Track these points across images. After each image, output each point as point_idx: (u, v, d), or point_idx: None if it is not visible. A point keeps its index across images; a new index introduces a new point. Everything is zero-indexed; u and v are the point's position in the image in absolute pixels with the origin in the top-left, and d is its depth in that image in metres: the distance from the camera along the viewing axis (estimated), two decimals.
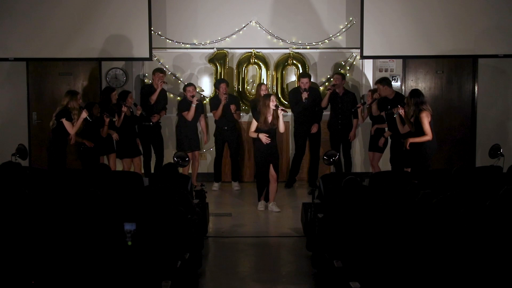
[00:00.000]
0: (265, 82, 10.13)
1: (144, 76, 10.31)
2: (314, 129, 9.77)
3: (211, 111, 9.84)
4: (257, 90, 9.85)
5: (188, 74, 10.45)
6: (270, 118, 8.25)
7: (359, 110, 9.57)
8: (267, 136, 8.28)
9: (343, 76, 9.89)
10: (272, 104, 8.21)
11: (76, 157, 8.97)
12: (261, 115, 8.28)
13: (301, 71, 10.15)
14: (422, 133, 7.76)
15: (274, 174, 8.46)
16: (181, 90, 10.29)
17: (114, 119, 8.89)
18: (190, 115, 9.54)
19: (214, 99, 9.84)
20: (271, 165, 8.43)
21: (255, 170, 9.19)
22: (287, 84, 10.44)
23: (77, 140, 8.53)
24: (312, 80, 10.30)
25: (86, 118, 8.22)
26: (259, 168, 8.57)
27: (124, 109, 9.03)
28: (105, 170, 6.72)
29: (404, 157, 8.28)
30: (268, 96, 8.42)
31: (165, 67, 10.29)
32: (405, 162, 8.31)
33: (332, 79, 10.22)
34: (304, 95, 9.43)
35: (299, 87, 9.64)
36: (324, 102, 9.80)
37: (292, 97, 9.87)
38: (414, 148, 7.87)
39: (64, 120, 8.14)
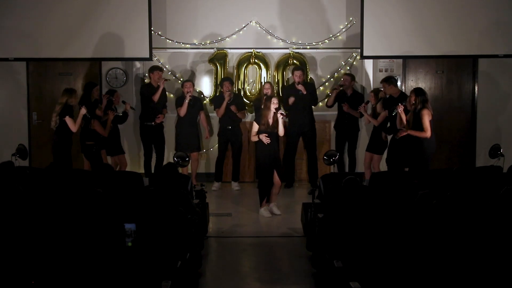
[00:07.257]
0: (268, 81, 10.07)
1: (144, 76, 10.31)
2: (290, 100, 9.46)
3: (214, 110, 9.82)
4: (260, 89, 9.84)
5: (188, 74, 10.45)
6: (271, 121, 8.07)
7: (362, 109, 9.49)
8: (267, 136, 8.06)
9: (353, 77, 9.83)
10: (273, 106, 8.04)
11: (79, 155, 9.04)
12: (263, 117, 8.09)
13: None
14: (421, 130, 7.78)
15: (279, 182, 8.20)
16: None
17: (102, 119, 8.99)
18: (182, 110, 9.55)
19: (218, 97, 9.84)
20: (275, 171, 8.16)
21: (256, 174, 8.99)
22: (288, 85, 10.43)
23: (89, 143, 8.72)
24: (311, 79, 10.31)
25: (85, 114, 8.28)
26: (262, 174, 8.25)
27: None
28: (109, 170, 6.72)
29: (403, 157, 8.26)
30: (270, 97, 8.23)
31: (165, 67, 10.30)
32: (404, 162, 8.28)
33: (332, 79, 10.21)
34: (300, 87, 9.39)
35: (293, 83, 9.61)
36: (329, 101, 9.80)
37: (283, 92, 9.91)
38: (413, 148, 7.86)
39: (67, 118, 8.17)
